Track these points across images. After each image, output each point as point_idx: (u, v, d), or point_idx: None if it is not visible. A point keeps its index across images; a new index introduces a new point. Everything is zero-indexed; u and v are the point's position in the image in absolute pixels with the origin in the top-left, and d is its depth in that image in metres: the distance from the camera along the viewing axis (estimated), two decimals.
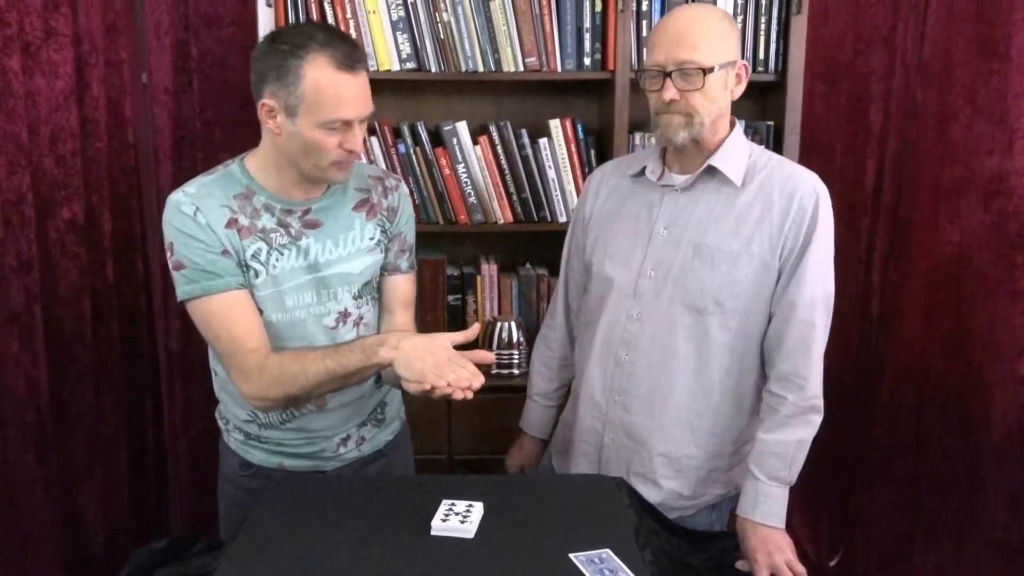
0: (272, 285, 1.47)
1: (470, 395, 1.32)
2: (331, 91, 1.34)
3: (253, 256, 1.45)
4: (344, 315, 1.53)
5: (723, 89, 1.47)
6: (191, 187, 1.45)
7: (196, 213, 1.41)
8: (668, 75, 1.43)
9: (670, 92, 1.44)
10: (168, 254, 1.44)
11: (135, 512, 2.34)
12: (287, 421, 1.56)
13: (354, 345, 1.41)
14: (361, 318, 1.57)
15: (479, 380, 1.34)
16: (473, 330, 1.44)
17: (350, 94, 1.36)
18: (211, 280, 1.42)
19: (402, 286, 1.63)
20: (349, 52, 1.36)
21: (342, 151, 1.40)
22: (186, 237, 1.41)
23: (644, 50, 2.16)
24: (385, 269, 1.61)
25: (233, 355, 1.43)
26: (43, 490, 2.14)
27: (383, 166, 2.21)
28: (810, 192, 1.48)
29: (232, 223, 1.44)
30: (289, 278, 1.48)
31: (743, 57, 1.64)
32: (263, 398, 1.44)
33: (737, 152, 1.51)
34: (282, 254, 1.47)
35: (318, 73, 1.33)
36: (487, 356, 1.42)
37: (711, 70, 1.42)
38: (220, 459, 1.68)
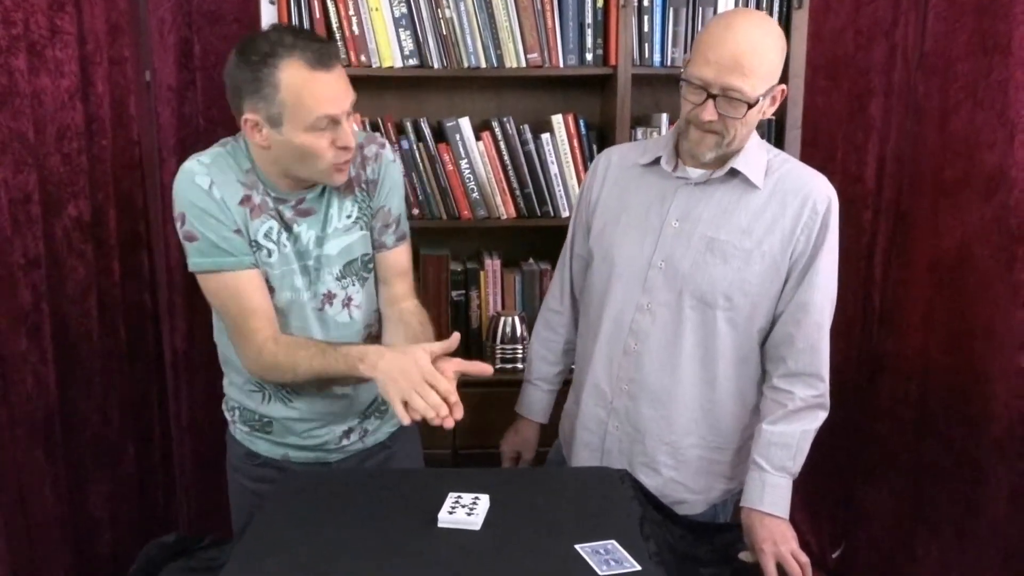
0: (283, 264, 1.48)
1: (449, 424, 1.28)
2: (309, 91, 1.33)
3: (265, 235, 1.46)
4: (328, 297, 1.53)
5: (759, 114, 1.45)
6: (206, 157, 1.44)
7: (212, 187, 1.41)
8: (712, 96, 1.40)
9: (709, 114, 1.41)
10: (178, 223, 1.43)
11: (142, 509, 2.35)
12: (289, 400, 1.57)
13: (340, 353, 1.40)
14: (350, 299, 1.55)
15: (454, 406, 1.30)
16: (453, 339, 1.38)
17: (329, 91, 1.35)
18: (223, 257, 1.42)
19: (392, 259, 1.60)
20: (319, 49, 1.34)
21: (337, 151, 1.39)
22: (199, 211, 1.41)
23: (646, 45, 2.18)
24: (372, 247, 1.59)
25: (238, 331, 1.47)
26: (51, 487, 2.15)
27: None
28: (823, 197, 1.49)
29: (246, 200, 1.44)
30: (287, 262, 1.49)
31: None
32: (260, 377, 1.51)
33: (756, 154, 1.52)
34: (281, 235, 1.48)
35: (293, 76, 1.32)
36: (485, 369, 1.39)
37: (755, 103, 1.40)
38: (227, 451, 1.70)
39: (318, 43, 1.35)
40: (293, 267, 1.49)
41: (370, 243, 1.57)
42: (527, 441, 1.82)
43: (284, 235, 1.48)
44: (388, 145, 1.57)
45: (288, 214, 1.48)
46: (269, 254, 1.47)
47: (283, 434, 1.60)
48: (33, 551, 2.16)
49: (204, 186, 1.41)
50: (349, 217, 1.53)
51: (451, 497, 1.30)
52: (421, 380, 1.29)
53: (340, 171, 1.43)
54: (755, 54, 1.38)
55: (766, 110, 1.46)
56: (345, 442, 1.63)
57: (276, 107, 1.34)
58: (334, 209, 1.51)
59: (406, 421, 1.29)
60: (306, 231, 1.50)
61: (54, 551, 2.19)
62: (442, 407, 1.28)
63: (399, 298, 1.60)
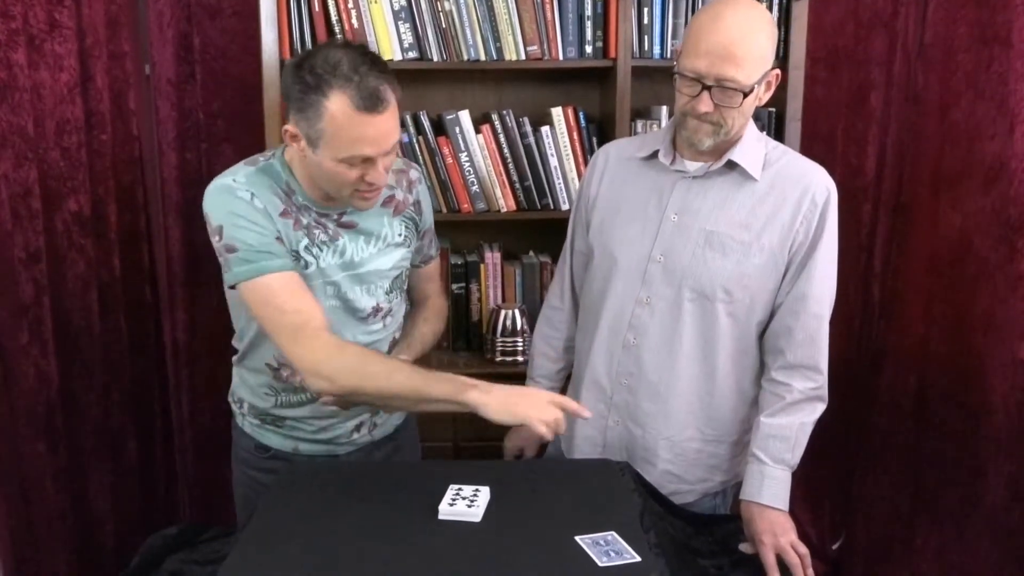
0: (319, 276, 1.48)
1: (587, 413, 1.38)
2: (350, 131, 1.31)
3: (306, 248, 1.46)
4: (376, 309, 1.56)
5: (755, 101, 1.44)
6: (239, 176, 1.43)
7: (253, 199, 1.40)
8: (706, 87, 1.40)
9: (705, 105, 1.40)
10: (215, 238, 1.41)
11: (144, 501, 2.36)
12: (305, 403, 1.57)
13: (443, 375, 1.36)
14: (390, 311, 1.59)
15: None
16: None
17: (370, 134, 1.33)
18: (269, 260, 1.39)
19: (433, 269, 1.77)
20: (373, 91, 1.30)
21: (364, 183, 1.39)
22: (241, 219, 1.39)
23: (646, 37, 2.17)
24: (423, 261, 1.70)
25: (300, 329, 1.37)
26: (53, 479, 2.16)
27: None
28: (823, 189, 1.49)
29: (286, 213, 1.44)
30: (326, 275, 1.49)
31: None
32: (328, 379, 1.36)
33: (754, 145, 1.51)
34: (321, 250, 1.48)
35: (338, 112, 1.30)
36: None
37: (751, 90, 1.40)
38: (233, 443, 1.70)
39: (375, 79, 1.31)
40: (330, 280, 1.49)
41: (410, 258, 1.63)
42: (530, 439, 1.82)
43: (323, 250, 1.47)
44: (417, 168, 1.67)
45: (331, 227, 1.49)
46: (307, 265, 1.46)
47: (294, 429, 1.61)
48: (35, 542, 2.17)
49: (246, 198, 1.40)
50: (400, 235, 1.57)
51: (452, 489, 1.31)
52: (544, 401, 1.34)
53: (364, 199, 1.43)
54: (746, 41, 1.38)
55: (762, 96, 1.45)
56: (356, 436, 1.64)
57: (315, 131, 1.33)
58: (386, 228, 1.55)
59: (549, 437, 1.32)
60: (355, 246, 1.51)
61: (56, 542, 2.20)
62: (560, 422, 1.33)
63: (432, 293, 1.76)
